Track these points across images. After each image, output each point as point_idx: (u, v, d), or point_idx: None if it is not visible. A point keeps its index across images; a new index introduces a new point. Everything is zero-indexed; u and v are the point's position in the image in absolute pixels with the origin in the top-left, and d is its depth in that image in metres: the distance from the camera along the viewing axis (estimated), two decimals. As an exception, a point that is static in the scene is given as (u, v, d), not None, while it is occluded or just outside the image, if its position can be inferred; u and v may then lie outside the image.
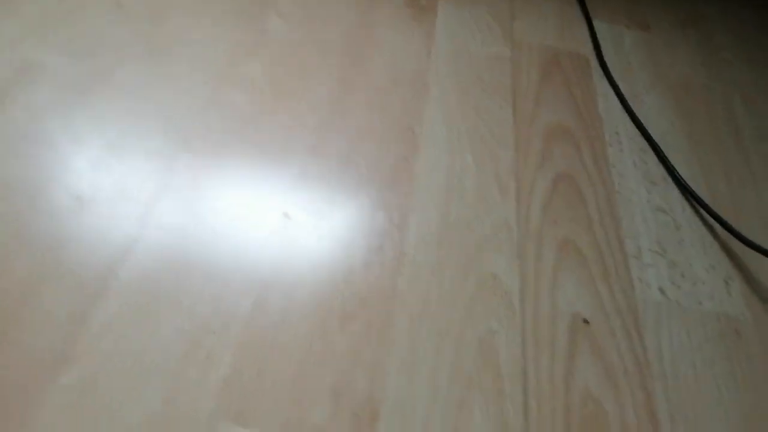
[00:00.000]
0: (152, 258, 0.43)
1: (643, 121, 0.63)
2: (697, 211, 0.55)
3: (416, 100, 0.61)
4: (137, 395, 0.37)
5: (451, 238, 0.49)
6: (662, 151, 0.59)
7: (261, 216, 0.48)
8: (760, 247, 0.49)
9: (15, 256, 0.41)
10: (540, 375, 0.42)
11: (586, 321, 0.45)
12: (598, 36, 0.73)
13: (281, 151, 0.53)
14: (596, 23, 0.75)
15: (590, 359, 0.43)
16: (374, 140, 0.56)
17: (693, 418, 0.42)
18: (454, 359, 0.42)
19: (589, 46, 0.72)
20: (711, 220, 0.54)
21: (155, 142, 0.51)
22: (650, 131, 0.62)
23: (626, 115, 0.63)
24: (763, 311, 0.48)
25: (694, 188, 0.56)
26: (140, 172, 0.48)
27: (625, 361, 0.43)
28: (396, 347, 0.42)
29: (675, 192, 0.56)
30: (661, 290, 0.48)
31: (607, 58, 0.70)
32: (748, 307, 0.48)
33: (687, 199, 0.56)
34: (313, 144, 0.54)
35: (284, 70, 0.60)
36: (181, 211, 0.47)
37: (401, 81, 0.62)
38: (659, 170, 0.58)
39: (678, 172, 0.57)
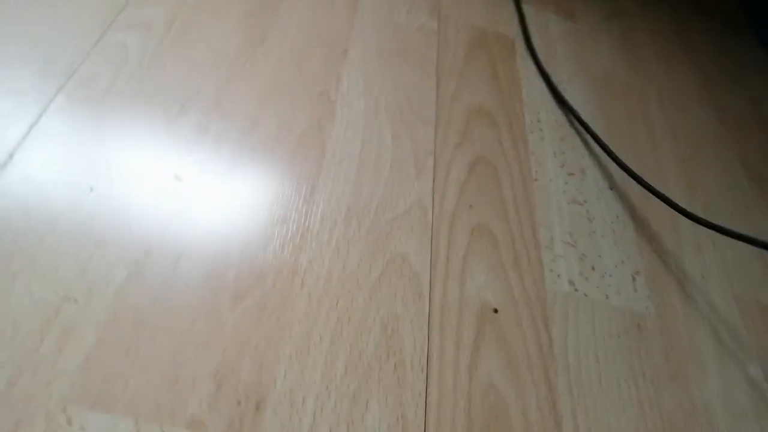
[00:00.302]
0: (6, 213, 0.37)
1: (565, 112, 0.61)
2: (610, 205, 0.54)
3: (335, 64, 0.56)
4: (-30, 375, 0.31)
5: (362, 215, 0.46)
6: (597, 135, 0.58)
7: (148, 176, 0.42)
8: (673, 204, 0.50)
9: None
10: (444, 365, 0.39)
11: (495, 310, 0.43)
12: (526, 20, 0.72)
13: (178, 105, 0.47)
14: (525, 7, 0.73)
15: (496, 350, 0.41)
16: (285, 102, 0.51)
17: (593, 411, 0.41)
18: (353, 345, 0.38)
19: (516, 29, 0.70)
20: (624, 215, 0.54)
21: (25, 83, 0.43)
22: (572, 122, 0.61)
23: (550, 102, 0.62)
24: (664, 308, 0.48)
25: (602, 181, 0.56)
26: (2, 115, 0.41)
27: (530, 354, 0.42)
28: (291, 330, 0.38)
29: (590, 184, 0.56)
30: (571, 282, 0.47)
31: (534, 43, 0.69)
32: (652, 303, 0.48)
33: (602, 192, 0.55)
34: (216, 100, 0.49)
35: (188, 15, 0.53)
36: (49, 163, 0.40)
37: (319, 42, 0.58)
38: (577, 161, 0.57)
39: (610, 150, 0.56)
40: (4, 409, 0.30)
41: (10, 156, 0.40)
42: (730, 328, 0.49)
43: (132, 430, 0.31)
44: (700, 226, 0.52)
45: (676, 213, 0.52)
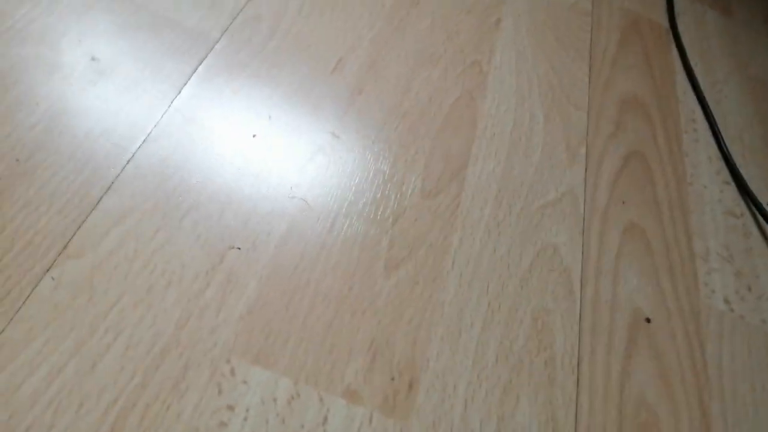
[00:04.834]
0: (173, 151, 0.36)
1: (721, 113, 0.57)
2: (768, 221, 0.50)
3: (487, 34, 0.54)
4: (147, 312, 0.30)
5: (512, 197, 0.43)
6: (731, 157, 0.54)
7: (306, 130, 0.41)
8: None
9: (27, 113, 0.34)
10: (594, 369, 0.37)
11: (647, 319, 0.40)
12: (676, 10, 0.67)
13: (335, 60, 0.45)
14: (680, -4, 0.68)
15: (648, 362, 0.38)
16: (438, 68, 0.49)
17: (738, 442, 0.38)
18: (503, 335, 0.36)
19: (666, 17, 0.65)
20: (782, 234, 0.49)
21: (193, 20, 0.43)
22: (727, 126, 0.56)
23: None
24: (824, 342, 0.44)
25: (761, 195, 0.51)
26: (174, 50, 0.41)
27: (683, 370, 0.39)
28: (442, 310, 0.36)
29: (748, 197, 0.51)
30: (726, 300, 0.44)
31: (686, 36, 0.64)
32: (811, 335, 0.44)
33: (759, 208, 0.51)
34: (370, 58, 0.47)
35: (348, -33, 0.51)
36: (214, 106, 0.39)
37: (472, 8, 0.55)
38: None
39: (744, 181, 0.52)
40: (174, 351, 0.29)
41: (175, 93, 0.39)
42: None
43: (291, 392, 0.30)
44: None
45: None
